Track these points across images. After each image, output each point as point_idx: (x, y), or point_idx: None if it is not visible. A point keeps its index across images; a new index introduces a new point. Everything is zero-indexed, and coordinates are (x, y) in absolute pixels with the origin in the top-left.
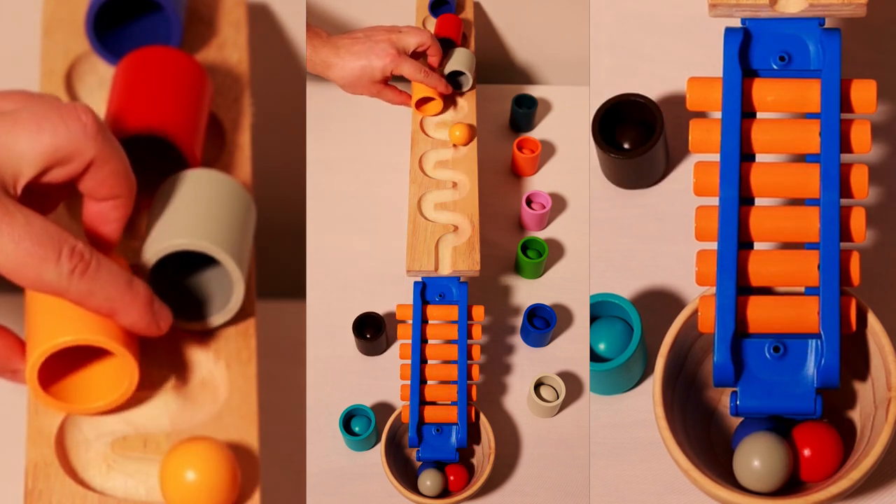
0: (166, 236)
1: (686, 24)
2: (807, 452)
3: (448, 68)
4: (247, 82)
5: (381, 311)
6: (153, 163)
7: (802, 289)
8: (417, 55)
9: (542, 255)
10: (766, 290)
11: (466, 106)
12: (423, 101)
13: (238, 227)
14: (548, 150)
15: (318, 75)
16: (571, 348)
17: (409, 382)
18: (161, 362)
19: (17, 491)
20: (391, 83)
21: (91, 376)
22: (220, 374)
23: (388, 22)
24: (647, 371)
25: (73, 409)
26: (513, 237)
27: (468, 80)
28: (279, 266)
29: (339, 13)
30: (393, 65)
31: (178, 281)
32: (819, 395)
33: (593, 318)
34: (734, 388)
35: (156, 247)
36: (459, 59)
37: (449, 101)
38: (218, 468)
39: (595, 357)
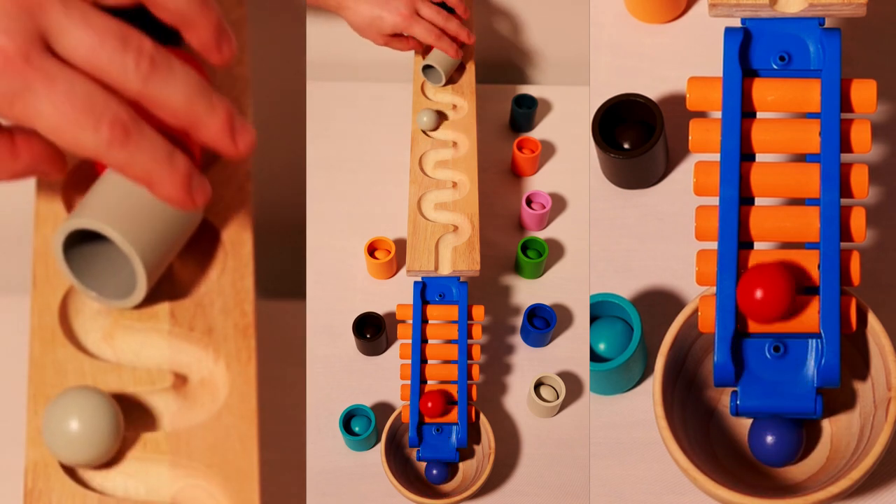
0: (73, 216)
1: (686, 24)
2: (758, 294)
3: (425, 62)
4: (247, 82)
5: (381, 311)
6: None
7: (803, 289)
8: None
9: (542, 255)
10: None
11: (466, 106)
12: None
13: (150, 213)
14: (548, 150)
15: (330, 11)
16: (571, 348)
17: (409, 382)
18: (161, 362)
19: (17, 491)
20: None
21: None
22: (220, 374)
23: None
24: (647, 371)
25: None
26: (513, 237)
27: (439, 77)
28: (279, 266)
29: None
30: (405, 24)
31: (116, 262)
32: (819, 394)
33: (593, 318)
34: (734, 388)
35: (61, 227)
36: (436, 56)
37: (449, 102)
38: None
39: (595, 357)
